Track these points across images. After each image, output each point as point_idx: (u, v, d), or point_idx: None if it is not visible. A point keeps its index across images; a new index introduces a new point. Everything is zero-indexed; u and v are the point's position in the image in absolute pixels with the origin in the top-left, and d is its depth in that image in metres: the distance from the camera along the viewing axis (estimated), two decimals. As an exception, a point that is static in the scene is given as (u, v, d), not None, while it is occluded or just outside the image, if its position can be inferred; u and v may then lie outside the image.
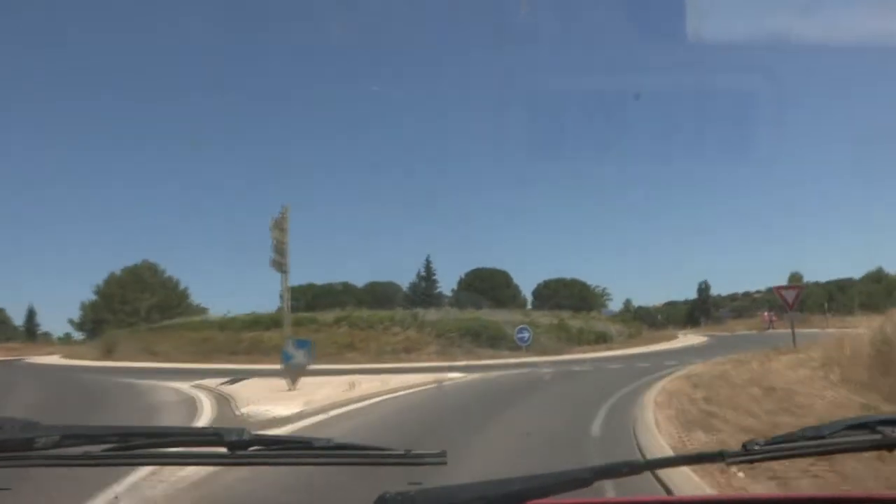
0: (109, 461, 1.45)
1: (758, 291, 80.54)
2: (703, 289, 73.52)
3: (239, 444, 1.40)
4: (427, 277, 60.44)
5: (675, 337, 41.66)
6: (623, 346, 36.20)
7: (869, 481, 4.27)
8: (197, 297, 65.94)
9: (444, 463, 1.36)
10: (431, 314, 39.92)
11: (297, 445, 1.48)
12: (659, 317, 68.27)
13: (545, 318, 40.59)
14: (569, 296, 64.99)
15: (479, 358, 32.24)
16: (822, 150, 79.95)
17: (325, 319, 39.25)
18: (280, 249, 17.58)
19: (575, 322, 40.01)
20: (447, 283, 65.88)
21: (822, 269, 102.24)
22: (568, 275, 70.77)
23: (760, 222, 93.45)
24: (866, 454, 3.45)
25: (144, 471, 5.43)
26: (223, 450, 1.42)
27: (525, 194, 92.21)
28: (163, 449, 1.50)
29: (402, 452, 1.40)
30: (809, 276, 63.23)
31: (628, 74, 30.54)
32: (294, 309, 53.76)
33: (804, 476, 4.64)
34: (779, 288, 24.65)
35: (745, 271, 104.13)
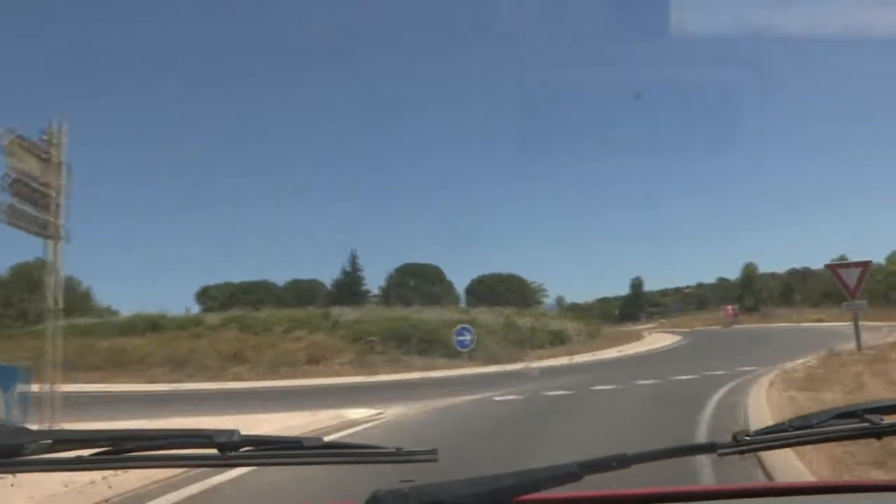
0: (101, 465, 1.45)
1: (688, 287, 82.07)
2: (636, 285, 72.31)
3: (230, 446, 1.40)
4: (352, 273, 55.89)
5: (641, 336, 35.09)
6: (588, 348, 29.20)
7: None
8: (107, 299, 55.74)
9: (436, 460, 1.37)
10: (348, 313, 32.04)
11: (287, 445, 1.48)
12: (616, 312, 63.63)
13: (487, 315, 33.30)
14: (505, 291, 58.66)
15: (408, 369, 24.60)
16: (774, 144, 76.68)
17: (211, 322, 30.81)
18: (38, 196, 9.45)
19: (524, 320, 32.87)
20: (376, 280, 61.33)
21: (775, 261, 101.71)
22: (501, 270, 64.68)
23: (696, 218, 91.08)
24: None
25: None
26: (214, 451, 1.41)
27: (458, 188, 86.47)
28: (154, 451, 1.45)
29: (394, 450, 1.41)
30: (764, 268, 58.87)
31: (601, 67, 28.88)
32: (208, 309, 45.97)
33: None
34: (835, 266, 17.93)
35: (676, 268, 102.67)
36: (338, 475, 3.38)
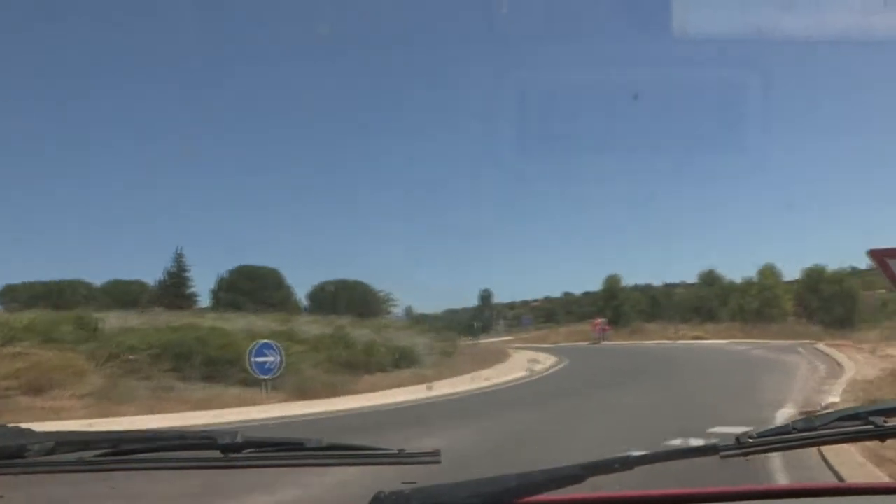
0: (103, 467, 1.44)
1: (535, 300, 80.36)
2: (485, 296, 69.65)
3: (232, 447, 1.40)
4: (177, 274, 49.22)
5: (507, 354, 28.48)
6: (445, 371, 21.48)
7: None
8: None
9: (438, 462, 1.37)
10: (114, 319, 22.94)
11: (290, 447, 1.47)
12: (476, 324, 58.45)
13: (314, 326, 25.41)
14: (351, 300, 52.77)
15: (178, 405, 16.17)
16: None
17: None
18: None
19: (361, 332, 25.25)
20: (209, 283, 53.46)
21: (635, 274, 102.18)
22: (350, 277, 58.10)
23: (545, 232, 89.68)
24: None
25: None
26: (217, 453, 1.40)
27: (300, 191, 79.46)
28: (156, 453, 1.46)
29: (396, 452, 1.41)
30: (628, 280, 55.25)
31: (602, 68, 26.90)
32: (11, 311, 35.31)
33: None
34: (881, 253, 11.50)
35: (523, 281, 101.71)
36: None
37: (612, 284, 51.75)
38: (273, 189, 75.61)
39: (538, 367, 21.64)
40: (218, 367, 19.25)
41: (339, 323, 26.19)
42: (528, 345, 42.35)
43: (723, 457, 1.38)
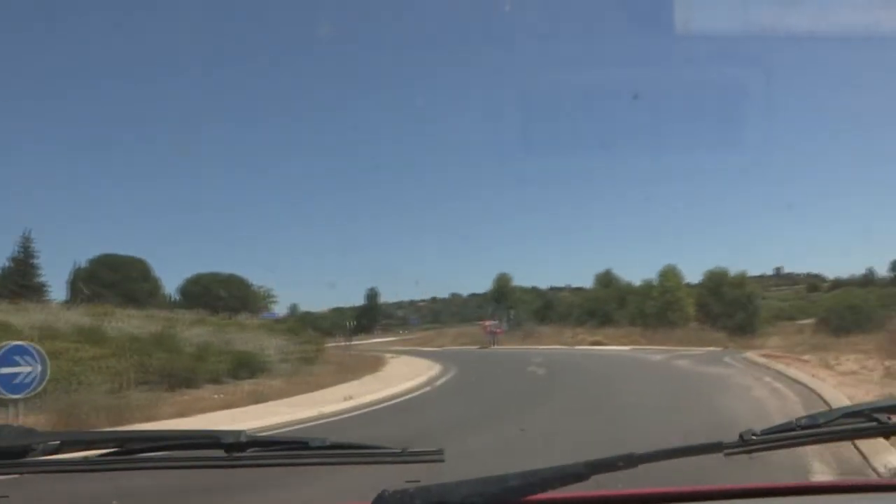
0: (108, 466, 1.43)
1: (422, 300, 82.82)
2: (372, 295, 69.65)
3: (236, 447, 1.41)
4: (23, 260, 45.21)
5: (383, 362, 23.47)
6: (283, 389, 16.07)
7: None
8: None
9: (442, 460, 1.37)
10: None
11: (294, 446, 1.48)
12: (349, 324, 54.39)
13: (130, 321, 19.70)
14: (224, 295, 51.61)
15: None
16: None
17: None
18: None
19: (195, 332, 19.74)
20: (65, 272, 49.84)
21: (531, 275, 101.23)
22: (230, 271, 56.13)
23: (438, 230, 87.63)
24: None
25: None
26: (221, 452, 1.41)
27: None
28: (161, 453, 1.46)
29: (399, 451, 1.41)
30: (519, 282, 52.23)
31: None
32: None
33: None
34: None
35: (410, 281, 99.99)
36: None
37: (502, 284, 48.35)
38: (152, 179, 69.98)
39: (417, 381, 16.92)
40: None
41: (172, 319, 20.58)
42: (413, 347, 37.88)
43: (727, 454, 1.38)
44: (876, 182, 75.20)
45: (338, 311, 71.70)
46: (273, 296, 60.65)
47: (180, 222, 75.58)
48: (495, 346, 35.07)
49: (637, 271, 75.30)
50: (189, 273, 56.98)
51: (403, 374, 19.20)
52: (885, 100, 52.16)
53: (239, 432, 1.41)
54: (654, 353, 25.17)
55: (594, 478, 1.27)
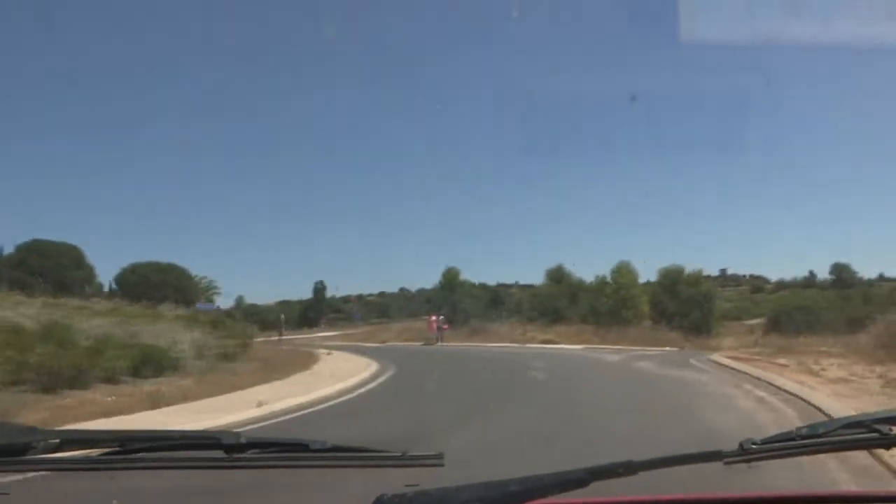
0: (108, 465, 1.43)
1: (370, 295, 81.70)
2: (319, 289, 68.59)
3: (236, 448, 1.40)
4: None
5: (315, 358, 21.06)
6: (204, 388, 13.86)
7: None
8: None
9: (442, 465, 1.37)
10: None
11: (294, 448, 1.47)
12: (283, 317, 52.29)
13: (21, 309, 16.91)
14: (163, 285, 48.79)
15: None
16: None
17: None
18: None
19: (96, 323, 17.03)
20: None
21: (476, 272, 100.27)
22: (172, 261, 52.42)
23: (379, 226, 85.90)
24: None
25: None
26: (221, 453, 1.40)
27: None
28: (161, 453, 1.46)
29: (399, 454, 1.41)
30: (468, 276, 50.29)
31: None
32: None
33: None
34: None
35: (361, 274, 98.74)
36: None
37: (450, 278, 46.28)
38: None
39: (348, 384, 14.61)
40: None
41: (62, 304, 17.80)
42: (353, 343, 35.46)
43: (726, 463, 1.37)
44: (821, 185, 76.28)
45: (285, 305, 70.86)
46: (216, 287, 57.43)
47: (123, 212, 72.62)
48: (441, 343, 32.98)
49: (589, 268, 74.32)
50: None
51: (334, 371, 16.93)
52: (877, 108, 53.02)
53: (239, 434, 1.42)
54: (609, 352, 23.53)
55: (594, 485, 1.26)
